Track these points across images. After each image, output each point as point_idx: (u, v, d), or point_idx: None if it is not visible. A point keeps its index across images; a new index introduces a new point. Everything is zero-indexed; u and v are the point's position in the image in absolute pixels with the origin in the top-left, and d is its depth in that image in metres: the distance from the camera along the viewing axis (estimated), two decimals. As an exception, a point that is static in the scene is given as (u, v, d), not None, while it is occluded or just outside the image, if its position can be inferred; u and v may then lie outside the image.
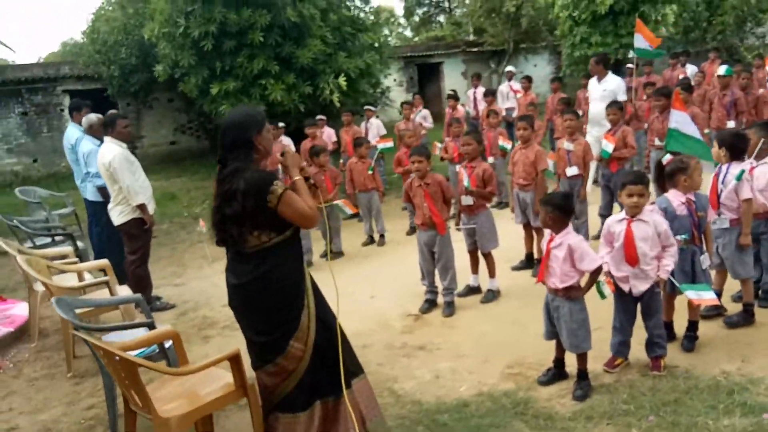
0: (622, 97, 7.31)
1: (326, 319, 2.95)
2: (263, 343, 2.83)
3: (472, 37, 21.93)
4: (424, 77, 20.28)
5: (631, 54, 9.17)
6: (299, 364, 2.82)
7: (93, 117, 6.41)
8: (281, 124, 8.87)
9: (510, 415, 3.33)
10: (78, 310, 3.77)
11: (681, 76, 10.36)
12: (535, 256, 5.62)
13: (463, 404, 3.50)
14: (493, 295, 5.09)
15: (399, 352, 4.32)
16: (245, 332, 2.94)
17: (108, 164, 5.26)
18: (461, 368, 3.98)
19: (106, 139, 5.48)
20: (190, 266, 7.12)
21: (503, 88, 11.66)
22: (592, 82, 7.89)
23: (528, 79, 10.81)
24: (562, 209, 3.42)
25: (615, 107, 6.16)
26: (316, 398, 2.88)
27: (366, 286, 5.76)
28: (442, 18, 31.83)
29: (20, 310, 5.43)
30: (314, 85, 9.70)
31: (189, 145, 16.48)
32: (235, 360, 2.87)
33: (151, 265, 6.33)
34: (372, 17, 10.90)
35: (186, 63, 9.71)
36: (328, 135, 9.37)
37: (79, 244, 6.47)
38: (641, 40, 8.90)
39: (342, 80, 9.56)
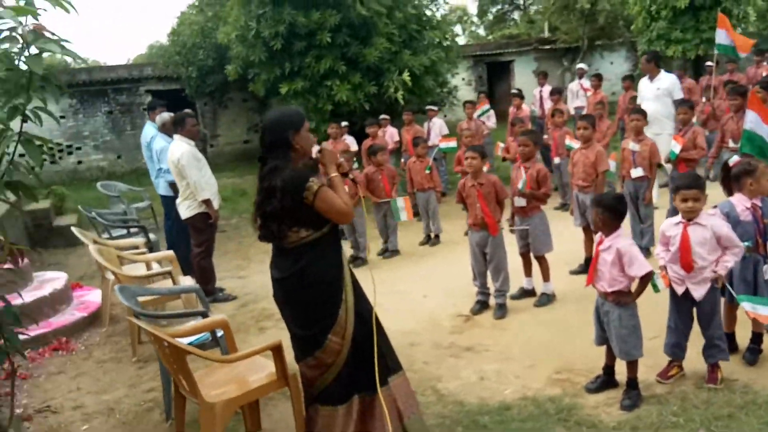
0: (677, 96, 6.98)
1: (364, 314, 2.98)
2: (303, 337, 2.91)
3: (546, 34, 21.46)
4: (494, 76, 20.04)
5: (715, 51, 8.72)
6: (337, 357, 2.88)
7: (165, 116, 6.78)
8: (344, 123, 9.02)
9: (553, 421, 3.27)
10: (141, 298, 4.02)
11: (765, 74, 9.74)
12: (595, 259, 5.46)
13: (505, 407, 3.47)
14: (547, 299, 4.99)
15: (446, 352, 4.32)
16: (288, 325, 3.03)
17: (177, 161, 5.55)
18: (507, 371, 3.93)
19: (176, 137, 5.78)
20: (254, 260, 7.36)
21: (573, 86, 11.34)
22: (644, 81, 7.60)
23: (598, 77, 10.48)
24: (613, 211, 3.31)
25: (686, 106, 5.90)
26: (354, 392, 2.93)
27: (419, 285, 5.78)
28: (516, 16, 31.33)
29: (94, 296, 5.81)
30: (379, 84, 9.81)
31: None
32: (276, 350, 2.97)
33: (216, 258, 6.62)
34: (438, 15, 10.86)
35: (257, 59, 10.02)
36: (390, 134, 9.44)
37: (152, 236, 6.85)
38: (723, 36, 8.46)
39: (406, 76, 9.60)
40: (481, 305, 4.98)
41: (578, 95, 10.99)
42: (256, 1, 9.68)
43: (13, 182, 3.04)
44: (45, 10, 2.85)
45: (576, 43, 19.40)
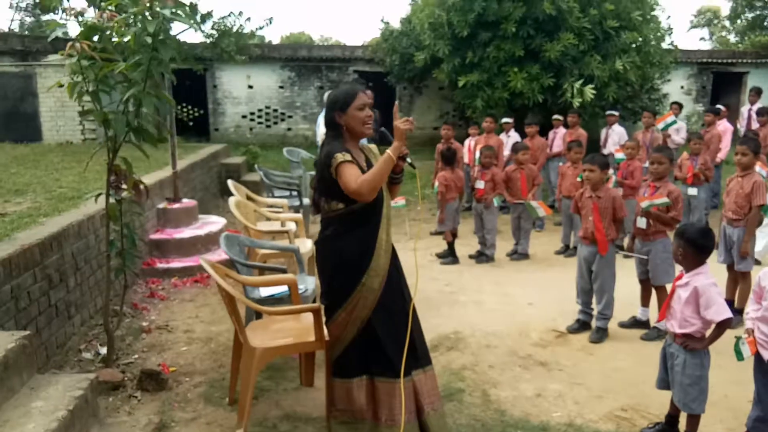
0: None
1: (390, 305, 3.00)
2: (324, 303, 3.07)
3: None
4: (721, 87, 17.75)
5: None
6: (342, 333, 2.99)
7: None
8: (505, 120, 8.81)
9: (583, 455, 3.04)
10: (261, 251, 4.54)
11: None
12: (736, 305, 4.75)
13: (543, 428, 3.29)
14: (656, 334, 4.50)
15: (517, 361, 4.17)
16: None
17: (317, 127, 6.12)
18: (569, 395, 3.69)
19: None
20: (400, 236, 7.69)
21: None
22: None
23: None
24: (696, 245, 2.92)
25: None
26: (363, 372, 3.01)
27: (530, 292, 5.57)
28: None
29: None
30: (557, 77, 9.42)
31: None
32: (316, 313, 3.17)
33: None
34: (642, 15, 9.99)
35: (442, 52, 10.26)
36: (561, 135, 9.03)
37: (306, 200, 7.50)
38: None
39: (589, 90, 9.09)
40: (580, 325, 4.67)
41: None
42: (450, -10, 9.87)
43: (139, 128, 3.66)
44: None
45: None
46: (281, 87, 16.80)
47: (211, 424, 3.32)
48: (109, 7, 3.63)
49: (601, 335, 4.50)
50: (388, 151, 2.84)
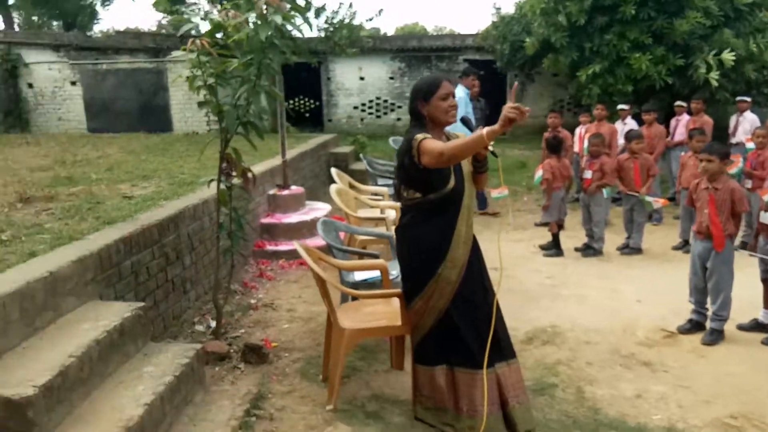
0: None
1: (470, 297, 2.98)
2: (403, 290, 3.10)
3: None
4: None
5: None
6: (419, 321, 3.00)
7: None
8: (621, 107, 8.32)
9: (682, 461, 2.84)
10: (360, 237, 4.69)
11: None
12: None
13: (639, 430, 3.12)
14: (780, 339, 4.10)
15: (619, 360, 3.97)
16: None
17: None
18: (673, 398, 3.46)
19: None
20: (490, 228, 7.56)
21: None
22: None
23: None
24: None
25: None
26: (443, 362, 3.01)
27: (641, 289, 5.27)
28: None
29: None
30: (686, 57, 8.75)
31: (564, 121, 16.66)
32: (401, 298, 3.21)
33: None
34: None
35: (559, 43, 9.89)
36: (684, 123, 8.39)
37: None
38: None
39: (728, 55, 8.33)
40: (693, 325, 4.36)
41: None
42: (562, -25, 9.49)
43: (247, 122, 3.89)
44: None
45: None
46: (391, 78, 17.00)
47: (304, 398, 3.47)
48: (231, 7, 3.87)
49: (715, 337, 4.16)
50: (485, 129, 2.59)
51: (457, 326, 2.97)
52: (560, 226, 6.45)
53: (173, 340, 4.14)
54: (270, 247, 6.20)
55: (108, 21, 64.38)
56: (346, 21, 13.05)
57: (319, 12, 12.97)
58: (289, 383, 3.67)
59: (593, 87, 9.32)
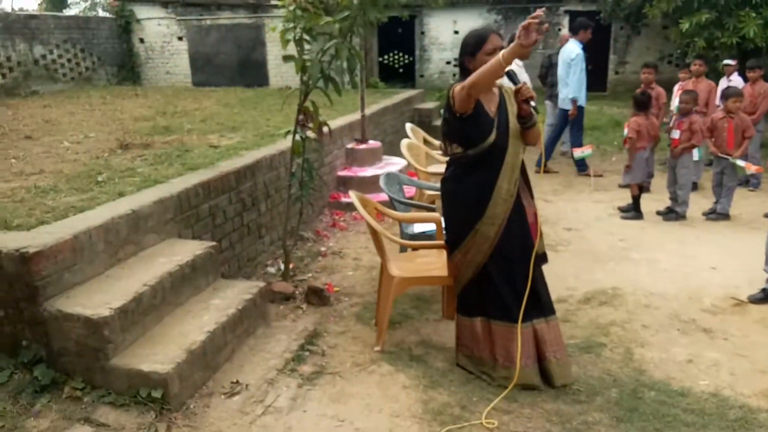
0: None
1: (509, 253, 3.02)
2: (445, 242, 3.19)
3: None
4: None
5: None
6: (459, 273, 3.09)
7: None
8: (727, 62, 7.69)
9: (719, 426, 2.80)
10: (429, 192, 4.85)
11: None
12: None
13: (681, 393, 3.09)
14: None
15: (676, 324, 3.88)
16: None
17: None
18: (727, 366, 3.37)
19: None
20: (572, 188, 7.40)
21: None
22: None
23: None
24: None
25: None
26: (481, 314, 3.10)
27: (718, 256, 5.03)
28: None
29: (419, 184, 6.91)
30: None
31: (670, 77, 15.57)
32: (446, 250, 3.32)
33: (541, 180, 7.09)
34: None
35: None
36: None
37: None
38: None
39: None
40: (766, 295, 4.14)
41: None
42: None
43: (328, 77, 4.08)
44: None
45: None
46: (486, 31, 16.55)
47: (356, 339, 3.71)
48: None
49: (788, 309, 3.95)
50: (502, 52, 2.60)
51: (495, 281, 3.04)
52: (641, 188, 6.20)
53: (246, 279, 4.51)
54: (344, 199, 6.45)
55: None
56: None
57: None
58: (344, 324, 3.92)
59: (698, 39, 8.65)
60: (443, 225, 3.32)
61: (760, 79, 7.38)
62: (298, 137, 4.29)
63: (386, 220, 5.32)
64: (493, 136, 2.92)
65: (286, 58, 4.16)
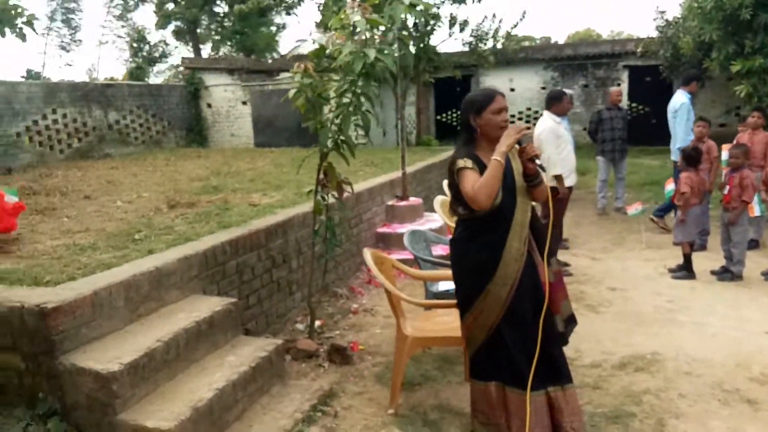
0: None
1: (522, 315, 2.89)
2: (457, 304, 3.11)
3: None
4: None
5: None
6: (470, 335, 2.97)
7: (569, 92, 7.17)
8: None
9: None
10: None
11: None
12: None
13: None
14: None
15: (718, 395, 3.57)
16: None
17: (537, 136, 5.93)
18: (771, 443, 3.06)
19: (545, 113, 6.12)
20: (623, 246, 7.11)
21: None
22: None
23: None
24: None
25: None
26: (492, 379, 2.96)
27: (776, 319, 4.66)
28: None
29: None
30: None
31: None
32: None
33: (591, 237, 6.85)
34: None
35: (709, 37, 9.04)
36: None
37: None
38: None
39: None
40: (824, 364, 3.78)
41: None
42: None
43: (343, 140, 4.19)
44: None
45: None
46: (543, 88, 16.52)
47: (372, 400, 3.63)
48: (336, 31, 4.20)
49: None
50: (495, 156, 2.80)
51: (507, 344, 2.93)
52: (692, 246, 5.89)
53: (272, 336, 4.54)
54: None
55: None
56: (491, 32, 13.05)
57: (463, 26, 13.16)
58: (363, 384, 3.86)
59: (744, 84, 8.33)
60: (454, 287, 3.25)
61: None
62: (319, 197, 4.38)
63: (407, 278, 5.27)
64: (499, 198, 2.87)
65: (304, 121, 4.30)
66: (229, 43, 21.86)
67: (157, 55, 23.79)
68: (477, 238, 2.94)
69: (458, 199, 2.96)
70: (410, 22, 4.60)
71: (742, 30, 8.66)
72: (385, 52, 3.83)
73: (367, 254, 3.57)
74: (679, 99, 7.46)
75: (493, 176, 2.78)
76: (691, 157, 5.98)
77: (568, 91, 7.27)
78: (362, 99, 3.99)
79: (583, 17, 74.79)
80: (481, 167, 2.89)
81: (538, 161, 2.90)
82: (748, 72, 8.54)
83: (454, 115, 18.15)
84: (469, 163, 2.86)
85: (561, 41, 33.40)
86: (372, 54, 3.76)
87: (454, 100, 17.71)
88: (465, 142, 3.00)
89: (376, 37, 3.85)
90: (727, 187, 5.67)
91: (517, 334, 2.92)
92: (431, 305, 3.56)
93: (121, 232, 4.65)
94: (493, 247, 2.90)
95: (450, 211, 3.21)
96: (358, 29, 3.84)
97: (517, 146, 2.94)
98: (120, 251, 4.03)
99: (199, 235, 4.37)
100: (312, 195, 4.43)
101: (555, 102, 6.09)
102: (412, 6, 4.00)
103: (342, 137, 4.21)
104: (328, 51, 4.17)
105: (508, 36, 13.04)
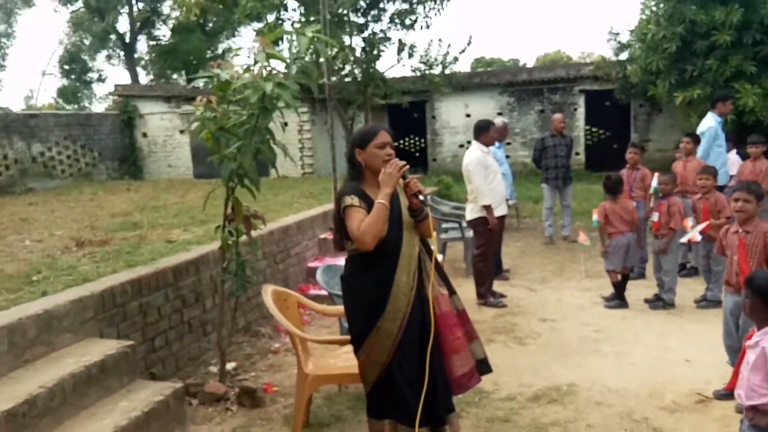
0: None
1: (410, 351, 3.08)
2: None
3: None
4: None
5: None
6: (364, 373, 3.16)
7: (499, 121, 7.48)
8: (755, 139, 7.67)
9: None
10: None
11: None
12: None
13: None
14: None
15: (626, 424, 3.82)
16: None
17: (465, 166, 6.24)
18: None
19: (473, 142, 6.45)
20: (563, 276, 7.42)
21: None
22: None
23: None
24: (765, 296, 2.48)
25: None
26: (386, 416, 3.13)
27: (698, 348, 4.96)
28: None
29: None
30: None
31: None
32: (357, 347, 3.43)
33: (534, 267, 7.12)
34: None
35: (654, 66, 9.63)
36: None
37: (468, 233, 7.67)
38: None
39: None
40: (731, 390, 4.06)
41: None
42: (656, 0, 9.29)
43: (242, 173, 4.38)
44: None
45: None
46: (499, 113, 17.10)
47: (275, 444, 3.77)
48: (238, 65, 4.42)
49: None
50: (380, 198, 2.98)
51: (398, 382, 3.09)
52: (626, 276, 6.22)
53: (181, 380, 4.64)
54: (313, 291, 6.61)
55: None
56: (439, 58, 13.53)
57: (411, 52, 13.63)
58: (270, 428, 3.99)
59: (692, 115, 8.88)
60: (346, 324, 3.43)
61: (762, 156, 7.44)
62: (227, 232, 4.54)
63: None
64: (384, 232, 3.06)
65: (210, 154, 4.49)
66: (164, 61, 21.99)
67: (91, 76, 23.79)
68: (366, 274, 3.10)
69: (345, 233, 3.16)
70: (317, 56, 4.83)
71: (683, 59, 9.25)
72: (285, 85, 4.07)
73: (267, 291, 3.75)
74: (707, 123, 7.41)
75: (378, 219, 2.95)
76: (607, 186, 6.31)
77: (498, 120, 7.64)
78: (264, 131, 4.20)
79: (554, 39, 77.29)
80: (368, 202, 3.10)
81: (421, 197, 3.12)
82: (691, 101, 9.10)
83: (411, 141, 18.56)
84: (355, 200, 3.03)
85: (530, 64, 34.50)
86: (269, 87, 3.99)
87: (410, 126, 18.20)
88: (352, 177, 3.21)
89: (275, 70, 4.09)
90: (656, 215, 6.04)
91: (407, 370, 3.11)
92: (325, 341, 3.74)
93: (19, 273, 4.74)
94: (382, 282, 3.06)
95: (335, 246, 3.39)
96: (256, 63, 4.08)
97: (402, 180, 3.18)
98: (14, 294, 4.12)
99: (102, 275, 4.49)
100: (216, 231, 4.59)
101: (482, 132, 6.42)
102: (317, 39, 4.26)
103: (242, 170, 4.38)
104: (233, 86, 4.39)
105: (455, 61, 13.54)
